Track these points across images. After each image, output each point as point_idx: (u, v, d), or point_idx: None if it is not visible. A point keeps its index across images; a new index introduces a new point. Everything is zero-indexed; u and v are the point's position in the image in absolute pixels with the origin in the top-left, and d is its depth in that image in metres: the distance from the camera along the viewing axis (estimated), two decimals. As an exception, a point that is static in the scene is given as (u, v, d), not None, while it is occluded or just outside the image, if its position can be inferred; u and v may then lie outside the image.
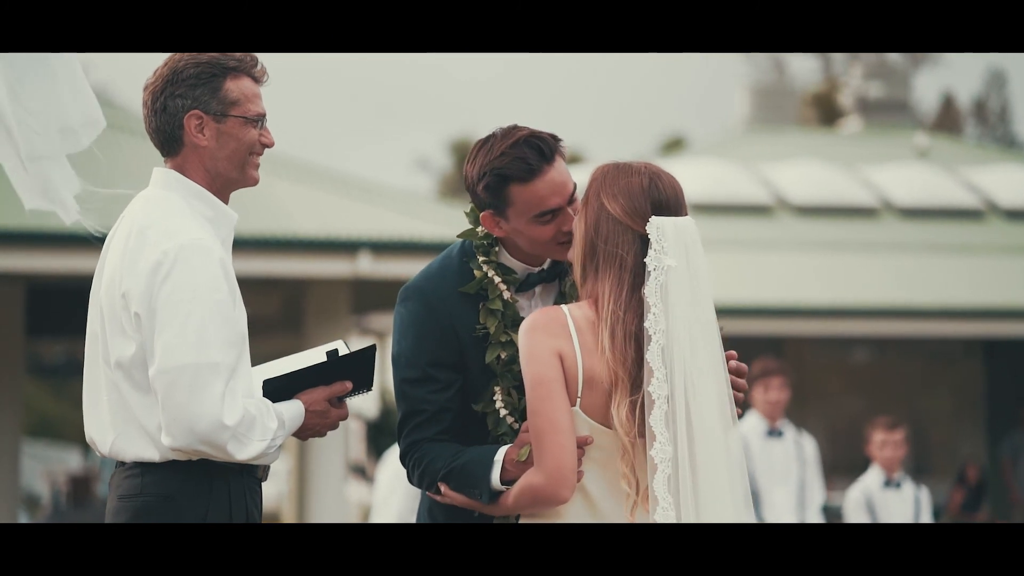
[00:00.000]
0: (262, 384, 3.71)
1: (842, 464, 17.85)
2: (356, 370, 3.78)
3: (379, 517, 7.67)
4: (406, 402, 3.80)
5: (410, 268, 14.48)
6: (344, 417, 3.80)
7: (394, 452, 7.92)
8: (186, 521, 3.59)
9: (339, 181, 16.58)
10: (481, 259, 3.81)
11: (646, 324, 3.49)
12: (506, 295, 3.80)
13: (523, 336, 3.55)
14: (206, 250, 3.59)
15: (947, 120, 48.36)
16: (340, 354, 3.78)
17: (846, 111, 32.72)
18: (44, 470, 24.57)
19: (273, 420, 3.61)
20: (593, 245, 3.56)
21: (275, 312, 18.78)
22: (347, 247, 14.33)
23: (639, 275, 3.53)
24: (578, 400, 3.55)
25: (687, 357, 3.50)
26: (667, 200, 3.58)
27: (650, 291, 3.50)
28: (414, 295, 3.82)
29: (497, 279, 3.79)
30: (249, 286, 17.32)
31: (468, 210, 3.84)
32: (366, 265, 14.27)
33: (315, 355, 3.81)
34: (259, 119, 3.75)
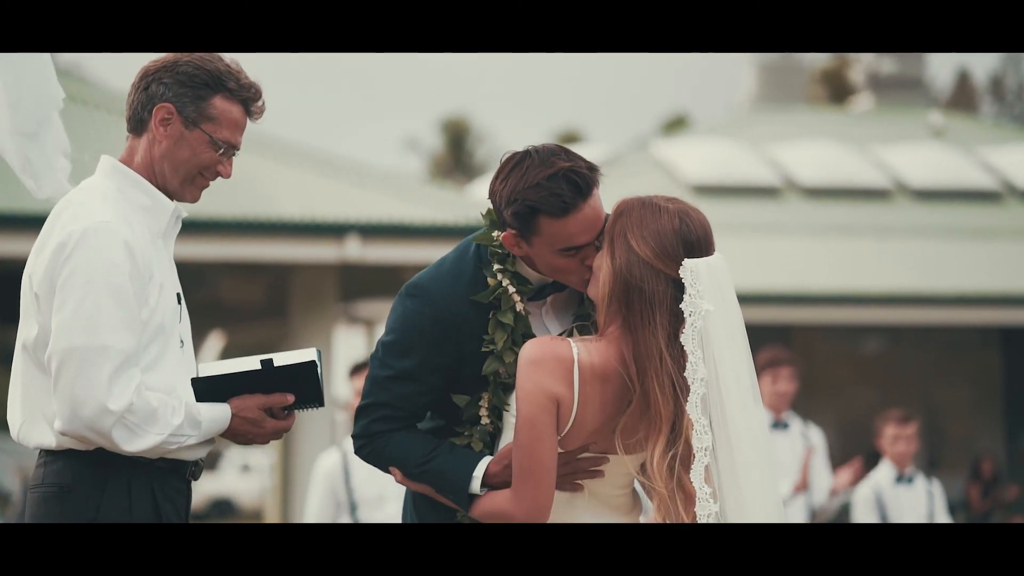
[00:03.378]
0: (191, 382, 3.74)
1: (852, 458, 17.87)
2: (298, 383, 3.79)
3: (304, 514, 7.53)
4: (380, 392, 3.82)
5: (400, 253, 14.50)
6: (286, 429, 3.83)
7: (322, 457, 7.59)
8: (80, 514, 3.64)
9: (326, 162, 16.57)
10: (496, 267, 3.80)
11: (686, 373, 3.50)
12: (519, 307, 3.80)
13: (524, 367, 3.57)
14: (110, 232, 3.63)
15: (963, 98, 48.37)
16: (276, 364, 3.78)
17: (857, 88, 32.72)
18: (15, 465, 24.56)
19: (179, 417, 3.64)
20: (627, 288, 3.55)
21: (259, 299, 18.79)
22: (334, 231, 14.33)
23: (676, 321, 3.53)
24: (558, 440, 3.61)
25: (733, 404, 3.52)
26: (698, 240, 3.57)
27: (687, 338, 3.51)
28: (419, 294, 3.81)
29: (512, 289, 3.79)
30: (232, 271, 17.18)
31: (486, 212, 3.83)
32: (354, 250, 14.26)
33: (255, 362, 3.82)
34: (225, 146, 3.80)
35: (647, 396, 3.52)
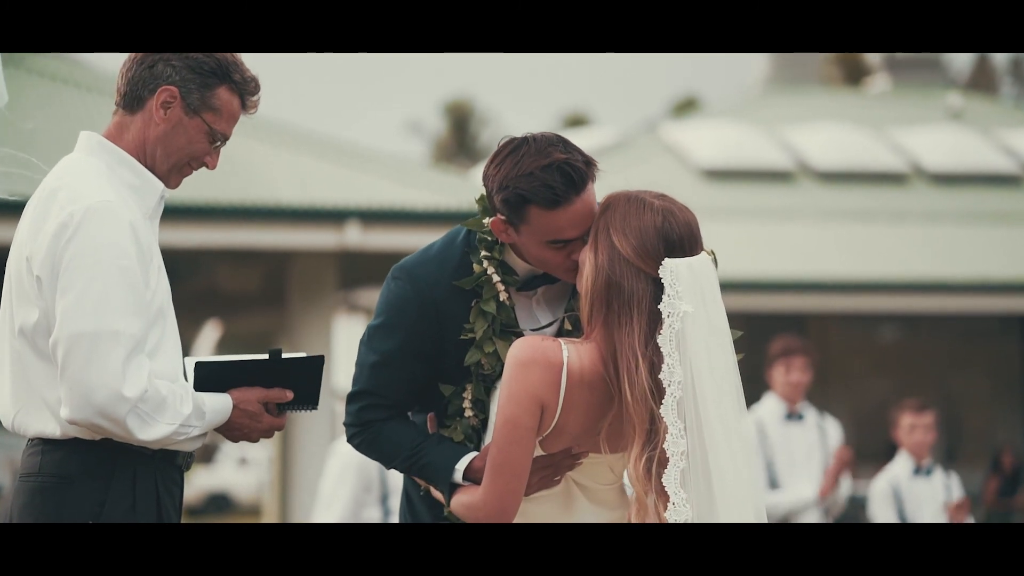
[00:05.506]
0: (194, 367, 3.73)
1: (868, 450, 17.88)
2: (299, 380, 3.81)
3: (321, 517, 7.49)
4: (366, 379, 3.86)
5: (401, 239, 14.48)
6: (280, 427, 3.84)
7: (344, 443, 7.67)
8: (82, 505, 3.61)
9: (325, 146, 16.55)
10: (483, 254, 3.82)
11: (661, 376, 3.50)
12: (502, 296, 3.81)
13: (512, 367, 3.59)
14: (113, 213, 3.60)
15: (982, 79, 48.30)
16: (283, 356, 3.79)
17: (873, 69, 32.69)
18: (6, 458, 24.61)
19: (188, 406, 3.63)
20: (608, 285, 3.55)
21: (256, 286, 18.79)
22: (334, 216, 14.32)
23: (653, 322, 3.53)
24: (539, 442, 3.64)
25: (709, 409, 3.51)
26: (680, 239, 3.57)
27: (664, 340, 3.51)
28: (404, 277, 3.84)
29: (496, 278, 3.81)
30: (228, 259, 17.14)
31: (479, 197, 3.84)
32: (354, 236, 14.26)
33: (258, 357, 3.84)
34: (220, 138, 3.81)
35: (623, 397, 3.53)
